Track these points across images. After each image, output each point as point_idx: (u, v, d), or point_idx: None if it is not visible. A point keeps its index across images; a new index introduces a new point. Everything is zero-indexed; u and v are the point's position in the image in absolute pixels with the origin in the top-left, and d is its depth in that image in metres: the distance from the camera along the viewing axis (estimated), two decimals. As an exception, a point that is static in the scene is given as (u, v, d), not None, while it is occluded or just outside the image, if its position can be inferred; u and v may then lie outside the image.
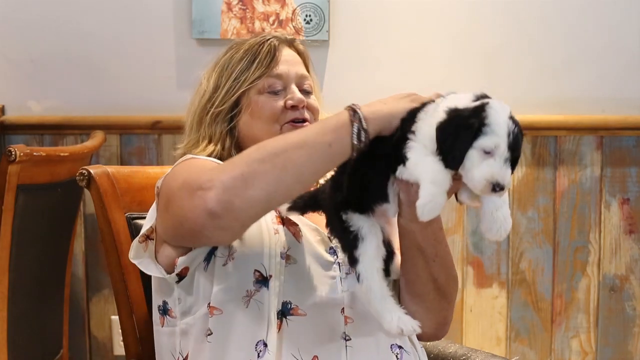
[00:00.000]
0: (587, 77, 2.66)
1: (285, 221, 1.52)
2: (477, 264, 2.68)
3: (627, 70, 2.66)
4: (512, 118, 1.26)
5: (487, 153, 1.24)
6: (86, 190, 1.79)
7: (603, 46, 2.65)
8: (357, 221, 1.39)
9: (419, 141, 1.29)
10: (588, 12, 2.64)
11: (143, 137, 2.67)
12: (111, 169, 1.80)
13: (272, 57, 1.64)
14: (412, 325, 1.37)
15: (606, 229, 2.68)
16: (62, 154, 2.31)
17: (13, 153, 2.09)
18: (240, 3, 2.60)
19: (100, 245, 1.75)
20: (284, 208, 1.50)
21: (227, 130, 1.64)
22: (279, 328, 1.44)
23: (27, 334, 2.28)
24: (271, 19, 2.61)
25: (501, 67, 2.66)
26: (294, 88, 1.64)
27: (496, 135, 1.24)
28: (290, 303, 1.46)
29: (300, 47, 1.73)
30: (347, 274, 1.52)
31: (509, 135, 1.24)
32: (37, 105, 2.68)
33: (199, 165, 1.47)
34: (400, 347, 1.53)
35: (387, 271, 1.44)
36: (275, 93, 1.63)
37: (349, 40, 2.65)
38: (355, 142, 1.32)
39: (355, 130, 1.32)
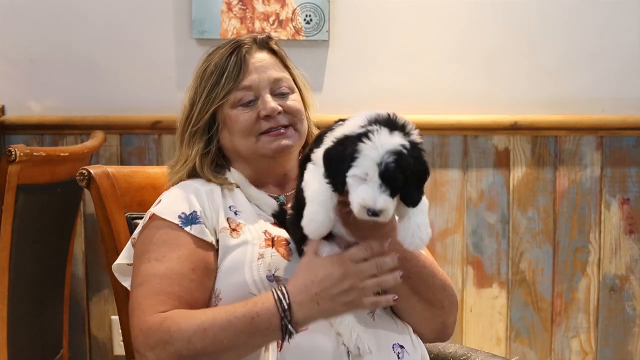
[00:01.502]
0: (587, 77, 2.66)
1: (275, 242, 1.53)
2: (477, 264, 2.68)
3: (627, 70, 2.66)
4: (394, 149, 1.32)
5: (364, 179, 1.32)
6: (86, 190, 1.79)
7: (603, 46, 2.65)
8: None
9: (316, 163, 1.38)
10: (588, 12, 2.64)
11: (143, 137, 2.67)
12: (111, 169, 1.80)
13: (240, 68, 1.62)
14: (368, 346, 1.43)
15: (606, 229, 2.68)
16: (62, 154, 2.31)
17: (13, 153, 2.09)
18: (240, 3, 2.60)
19: (100, 245, 1.75)
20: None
21: (204, 149, 1.63)
22: (280, 347, 1.45)
23: (27, 334, 2.28)
24: (271, 19, 2.61)
25: (501, 67, 2.66)
26: (266, 97, 1.62)
27: (365, 165, 1.32)
28: None
29: (275, 46, 1.71)
30: None
31: (379, 165, 1.31)
32: (37, 105, 2.68)
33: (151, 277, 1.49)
34: (401, 346, 1.53)
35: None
36: (247, 105, 1.62)
37: (349, 40, 2.65)
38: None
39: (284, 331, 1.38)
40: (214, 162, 1.65)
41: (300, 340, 1.44)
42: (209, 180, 1.62)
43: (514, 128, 2.63)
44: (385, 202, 1.33)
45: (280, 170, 1.66)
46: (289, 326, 1.37)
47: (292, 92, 1.67)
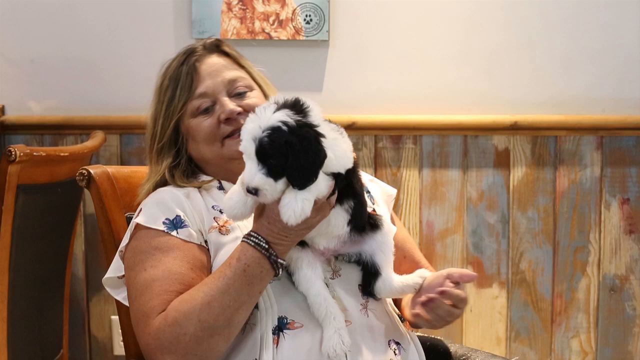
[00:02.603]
0: (587, 77, 2.66)
1: None
2: (477, 264, 2.68)
3: (627, 70, 2.66)
4: (272, 125, 1.33)
5: (248, 156, 1.35)
6: (86, 190, 1.79)
7: (603, 46, 2.65)
8: (291, 253, 1.49)
9: None
10: (588, 12, 2.64)
11: (143, 137, 2.65)
12: (111, 169, 1.80)
13: (192, 77, 1.63)
14: (344, 350, 1.45)
15: (606, 229, 2.68)
16: (62, 154, 2.31)
17: (13, 153, 2.09)
18: (240, 3, 2.60)
19: (100, 245, 1.75)
20: None
21: (172, 163, 1.64)
22: (277, 344, 1.46)
23: (27, 334, 2.28)
24: (271, 19, 2.61)
25: (501, 67, 2.66)
26: (223, 100, 1.63)
27: (245, 140, 1.35)
28: (286, 318, 1.48)
29: (227, 48, 1.71)
30: (331, 278, 1.53)
31: (254, 141, 1.33)
32: (37, 105, 2.68)
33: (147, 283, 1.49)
34: (397, 342, 1.53)
35: (369, 291, 1.53)
36: (205, 112, 1.63)
37: (349, 40, 2.65)
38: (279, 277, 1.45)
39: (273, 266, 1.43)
40: (186, 173, 1.65)
41: (294, 337, 1.46)
42: (181, 187, 1.62)
43: (514, 128, 2.63)
44: (260, 181, 1.33)
45: None
46: (279, 260, 1.42)
47: (251, 89, 1.67)
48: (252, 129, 1.34)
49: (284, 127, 1.33)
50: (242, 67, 1.70)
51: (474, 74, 2.66)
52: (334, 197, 1.42)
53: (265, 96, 1.70)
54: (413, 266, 1.68)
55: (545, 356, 2.71)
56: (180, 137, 1.65)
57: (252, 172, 1.35)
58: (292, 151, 1.32)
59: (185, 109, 1.63)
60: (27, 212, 2.18)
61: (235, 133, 1.61)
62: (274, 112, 1.35)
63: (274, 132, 1.32)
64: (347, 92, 2.65)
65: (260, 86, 1.70)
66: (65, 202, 2.44)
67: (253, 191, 1.36)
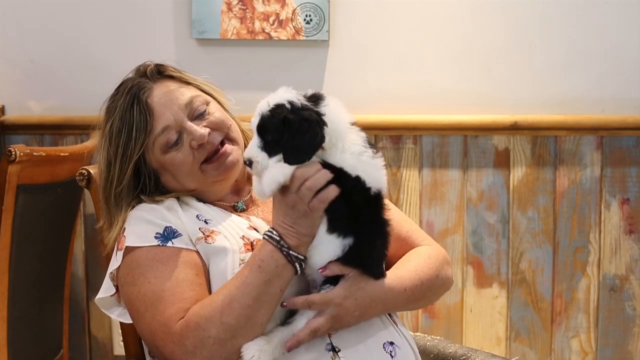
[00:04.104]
0: (587, 77, 2.66)
1: (254, 247, 1.51)
2: (477, 264, 2.68)
3: (627, 71, 2.66)
4: (277, 102, 1.36)
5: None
6: (86, 190, 1.79)
7: (603, 46, 2.65)
8: None
9: None
10: (588, 12, 2.64)
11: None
12: (111, 169, 1.79)
13: (146, 116, 1.55)
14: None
15: (606, 229, 2.68)
16: (62, 154, 2.31)
17: (13, 153, 2.09)
18: (240, 3, 2.60)
19: (100, 245, 1.75)
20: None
21: (133, 198, 1.58)
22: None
23: (27, 334, 2.28)
24: (271, 19, 2.61)
25: (501, 67, 2.66)
26: (188, 126, 1.56)
27: (255, 116, 1.38)
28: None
29: (171, 71, 1.65)
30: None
31: (259, 115, 1.37)
32: (37, 105, 2.68)
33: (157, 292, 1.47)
34: (391, 343, 1.52)
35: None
36: (175, 144, 1.57)
37: (349, 40, 2.65)
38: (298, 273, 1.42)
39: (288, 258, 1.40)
40: (156, 192, 1.60)
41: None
42: (158, 202, 1.57)
43: (514, 128, 2.62)
44: (253, 153, 1.37)
45: (231, 182, 1.64)
46: (291, 252, 1.39)
47: (207, 104, 1.61)
48: (262, 104, 1.38)
49: (288, 105, 1.35)
50: (189, 84, 1.64)
51: (474, 74, 2.66)
52: (328, 192, 1.38)
53: (220, 103, 1.66)
54: (398, 244, 1.64)
55: (545, 356, 2.71)
56: (144, 175, 1.58)
57: (251, 145, 1.38)
58: (289, 128, 1.34)
59: (145, 149, 1.56)
60: (27, 212, 2.18)
61: (212, 157, 1.58)
62: (287, 92, 1.38)
63: (277, 108, 1.35)
64: (347, 92, 2.64)
65: (211, 95, 1.65)
66: (65, 202, 2.44)
67: (247, 162, 1.39)
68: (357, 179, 1.39)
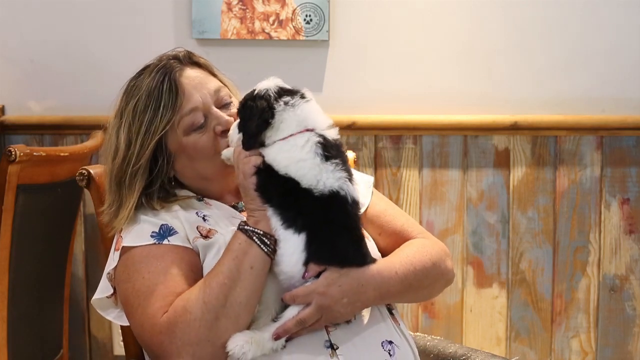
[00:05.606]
0: (587, 77, 2.66)
1: None
2: (477, 264, 2.68)
3: (627, 71, 2.66)
4: (254, 90, 1.48)
5: None
6: (86, 190, 1.79)
7: (603, 46, 2.65)
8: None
9: None
10: (588, 12, 2.64)
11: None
12: (111, 168, 1.79)
13: (177, 93, 1.55)
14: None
15: (606, 229, 2.68)
16: (62, 154, 2.31)
17: (13, 153, 2.09)
18: (240, 3, 2.60)
19: (100, 245, 1.75)
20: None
21: (146, 185, 1.56)
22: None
23: (27, 334, 2.28)
24: (271, 19, 2.61)
25: (501, 67, 2.66)
26: (215, 112, 1.57)
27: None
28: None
29: (200, 59, 1.66)
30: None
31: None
32: (37, 105, 2.68)
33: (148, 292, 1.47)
34: (390, 342, 1.52)
35: None
36: (200, 128, 1.56)
37: (349, 40, 2.65)
38: (265, 250, 1.44)
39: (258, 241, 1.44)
40: (161, 196, 1.59)
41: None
42: (155, 210, 1.56)
43: (514, 128, 2.63)
44: (232, 126, 1.51)
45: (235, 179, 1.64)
46: (247, 227, 1.45)
47: (231, 97, 1.63)
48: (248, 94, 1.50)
49: (256, 92, 1.47)
50: (215, 76, 1.65)
51: (474, 74, 2.66)
52: (251, 159, 1.46)
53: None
54: (393, 239, 1.65)
55: (545, 356, 2.71)
56: (161, 157, 1.57)
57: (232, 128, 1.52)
58: (243, 113, 1.47)
59: (169, 127, 1.54)
60: (27, 212, 2.18)
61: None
62: (270, 81, 1.49)
63: (250, 94, 1.48)
64: (347, 92, 2.65)
65: (230, 91, 1.66)
66: (65, 202, 2.44)
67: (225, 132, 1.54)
68: (287, 177, 1.43)
